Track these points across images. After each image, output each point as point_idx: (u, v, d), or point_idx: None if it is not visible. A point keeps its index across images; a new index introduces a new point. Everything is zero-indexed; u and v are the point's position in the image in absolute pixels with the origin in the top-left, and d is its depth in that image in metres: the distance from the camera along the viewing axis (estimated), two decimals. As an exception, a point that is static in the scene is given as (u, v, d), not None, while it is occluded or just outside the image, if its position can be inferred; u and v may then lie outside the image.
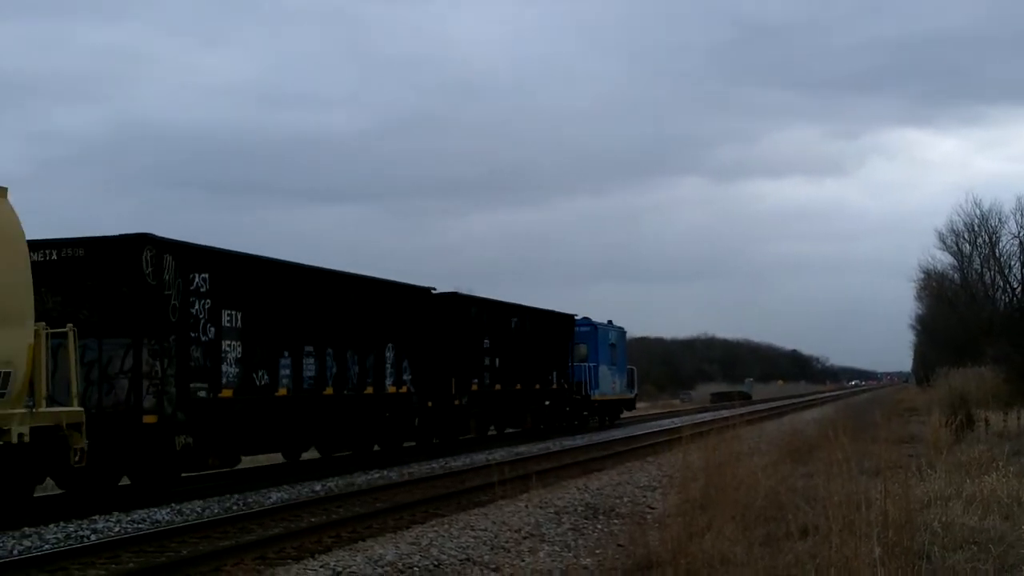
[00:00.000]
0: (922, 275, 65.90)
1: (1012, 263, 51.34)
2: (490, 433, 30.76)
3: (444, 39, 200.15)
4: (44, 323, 13.45)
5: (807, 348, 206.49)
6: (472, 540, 11.24)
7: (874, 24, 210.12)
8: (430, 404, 25.24)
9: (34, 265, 13.48)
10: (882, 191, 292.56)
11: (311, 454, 22.88)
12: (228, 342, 17.69)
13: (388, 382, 23.11)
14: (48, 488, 15.79)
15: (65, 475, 15.11)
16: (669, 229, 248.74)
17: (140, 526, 13.41)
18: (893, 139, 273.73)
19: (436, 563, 10.05)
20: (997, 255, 52.33)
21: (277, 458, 22.06)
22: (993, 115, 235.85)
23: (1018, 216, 50.11)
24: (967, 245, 54.79)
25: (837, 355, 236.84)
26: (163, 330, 16.10)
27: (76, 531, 12.96)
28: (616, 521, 12.90)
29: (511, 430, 32.10)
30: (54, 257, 15.85)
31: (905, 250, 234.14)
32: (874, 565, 7.02)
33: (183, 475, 17.31)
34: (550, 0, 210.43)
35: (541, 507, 13.80)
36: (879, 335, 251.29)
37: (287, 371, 19.27)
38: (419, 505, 14.80)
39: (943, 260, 59.30)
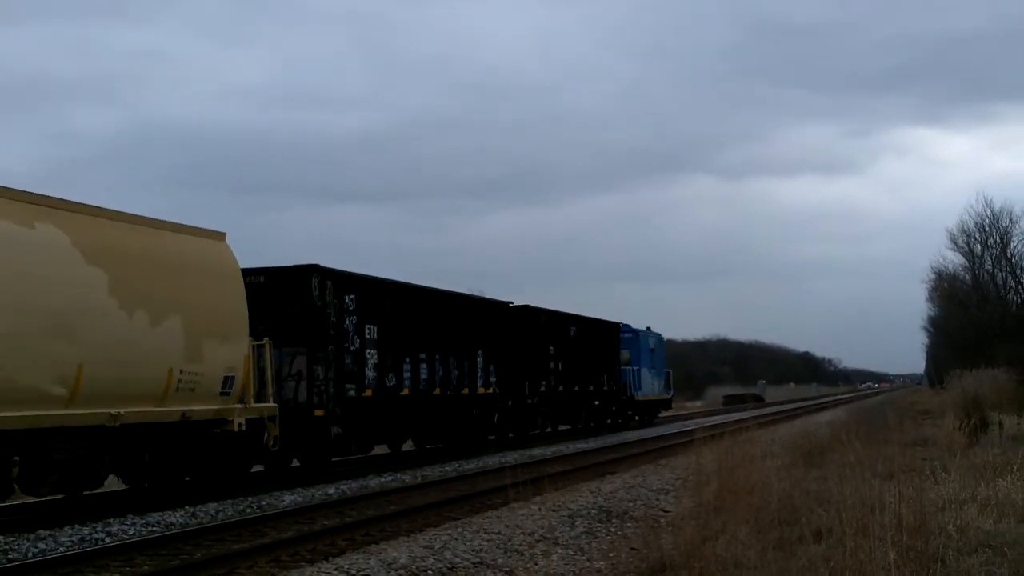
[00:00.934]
0: (934, 276, 65.73)
1: (1024, 263, 51.16)
2: (546, 430, 33.63)
3: (463, 40, 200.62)
4: (252, 338, 17.01)
5: (819, 350, 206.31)
6: (485, 543, 11.24)
7: (888, 24, 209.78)
8: (510, 403, 29.05)
9: None
10: (895, 190, 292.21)
11: (407, 445, 25.79)
12: (369, 351, 21.70)
13: (479, 384, 27.07)
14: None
15: (263, 456, 18.46)
16: (682, 228, 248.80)
17: (154, 529, 13.45)
18: (906, 138, 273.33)
19: (449, 566, 10.06)
20: (1009, 255, 52.12)
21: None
22: (1006, 114, 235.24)
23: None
24: (978, 245, 54.56)
25: (850, 357, 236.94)
26: (324, 342, 20.07)
27: (91, 534, 13.00)
28: (629, 524, 12.89)
29: (564, 427, 34.95)
30: None
31: (918, 250, 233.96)
32: (888, 569, 7.01)
33: (332, 459, 20.81)
34: (567, 0, 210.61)
35: (554, 510, 13.80)
36: (892, 337, 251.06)
37: (408, 374, 23.34)
38: (432, 508, 14.82)
39: (954, 261, 59.09)
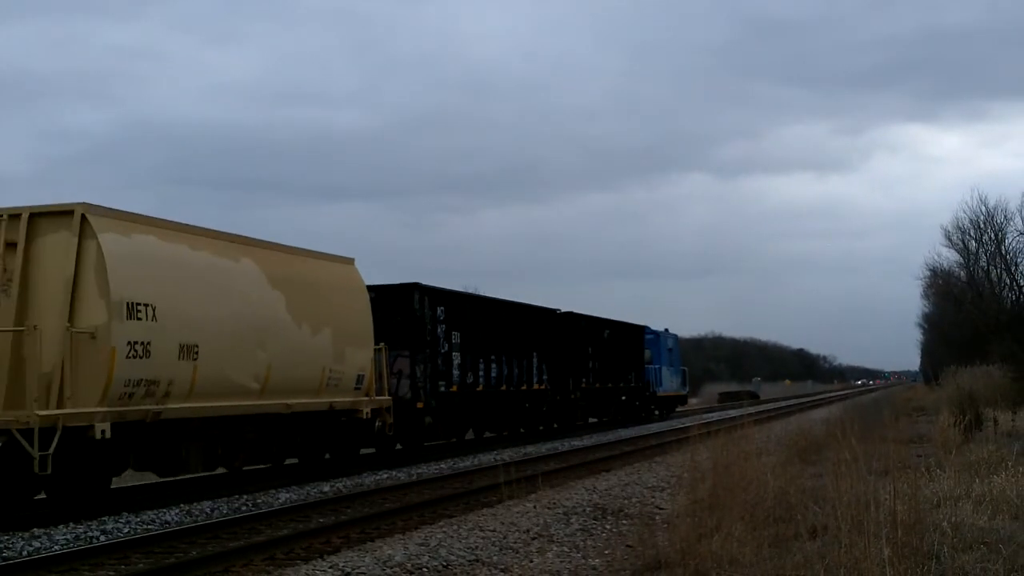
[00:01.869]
0: (928, 273, 65.73)
1: (1019, 260, 51.05)
2: (588, 421, 38.11)
3: (454, 37, 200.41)
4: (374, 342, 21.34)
5: (814, 347, 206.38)
6: (481, 541, 11.24)
7: (879, 20, 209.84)
8: (557, 398, 33.58)
9: None
10: (888, 187, 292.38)
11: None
12: (454, 353, 26.32)
13: (534, 381, 31.68)
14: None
15: (379, 440, 22.62)
16: (675, 226, 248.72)
17: (150, 527, 13.44)
18: (898, 135, 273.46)
19: (445, 564, 10.05)
20: (1003, 252, 52.10)
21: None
22: (997, 111, 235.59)
23: (1024, 212, 49.90)
24: (973, 242, 54.50)
25: (844, 354, 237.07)
26: (423, 346, 24.65)
27: (86, 532, 12.99)
28: (625, 522, 12.90)
29: (592, 419, 38.75)
30: None
31: (911, 247, 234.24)
32: (883, 565, 7.02)
33: (424, 444, 25.14)
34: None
35: (550, 507, 13.81)
36: (887, 334, 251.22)
37: (482, 373, 27.93)
38: (428, 505, 14.82)
39: (949, 258, 58.98)
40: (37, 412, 13.49)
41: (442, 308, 25.82)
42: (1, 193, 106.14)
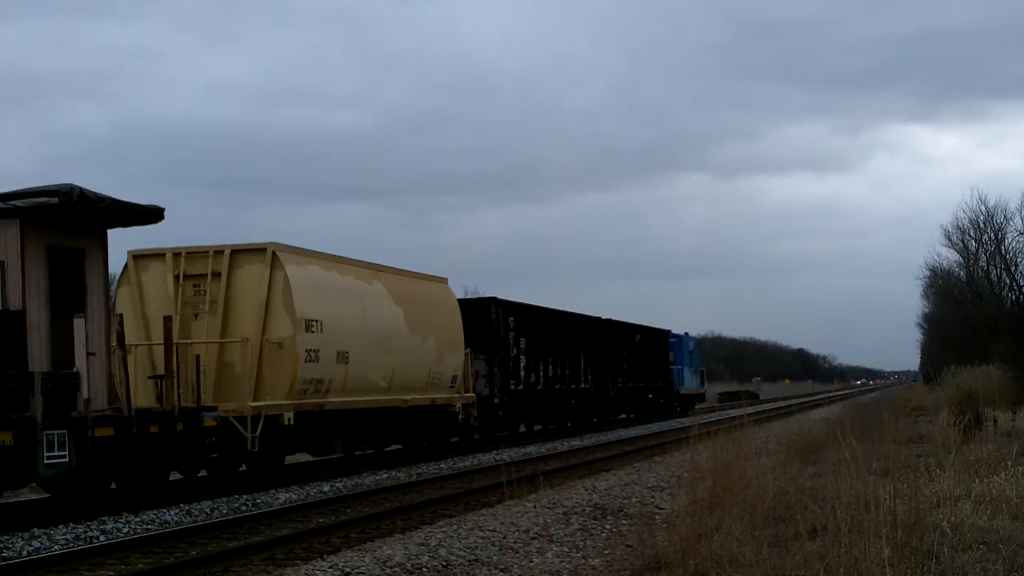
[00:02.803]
0: (928, 273, 65.71)
1: (1018, 260, 51.05)
2: (619, 417, 42.36)
3: (453, 37, 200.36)
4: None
5: (814, 347, 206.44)
6: (481, 540, 11.24)
7: (877, 20, 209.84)
8: (599, 396, 38.12)
9: None
10: (886, 187, 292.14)
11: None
12: (521, 357, 30.74)
13: (581, 381, 36.19)
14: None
15: (465, 430, 26.76)
16: (675, 226, 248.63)
17: (149, 527, 13.45)
18: (896, 135, 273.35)
19: (445, 564, 10.05)
20: (1003, 252, 52.09)
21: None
22: (995, 110, 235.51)
23: (1023, 212, 49.89)
24: (973, 242, 54.50)
25: (844, 354, 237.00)
26: (497, 350, 29.13)
27: (85, 532, 13.00)
28: (625, 521, 12.90)
29: (622, 416, 42.77)
30: None
31: (910, 247, 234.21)
32: (883, 565, 7.02)
33: (498, 433, 29.80)
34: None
35: (549, 507, 13.81)
36: (887, 334, 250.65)
37: (541, 374, 32.37)
38: (427, 505, 14.83)
39: (949, 257, 58.98)
40: (250, 403, 17.81)
41: (512, 318, 30.42)
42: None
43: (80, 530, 13.09)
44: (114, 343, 15.99)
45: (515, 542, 11.22)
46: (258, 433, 17.57)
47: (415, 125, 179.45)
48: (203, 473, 18.42)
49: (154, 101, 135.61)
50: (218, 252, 19.07)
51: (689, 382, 53.40)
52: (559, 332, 33.88)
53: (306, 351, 18.94)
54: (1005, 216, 51.40)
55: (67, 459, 13.66)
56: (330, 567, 9.81)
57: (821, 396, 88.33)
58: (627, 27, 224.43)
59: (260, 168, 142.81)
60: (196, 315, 18.88)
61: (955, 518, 9.46)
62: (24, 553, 11.57)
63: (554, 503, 14.24)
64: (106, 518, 14.01)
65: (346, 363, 20.26)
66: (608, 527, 12.59)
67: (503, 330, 29.63)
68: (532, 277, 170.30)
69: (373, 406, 21.51)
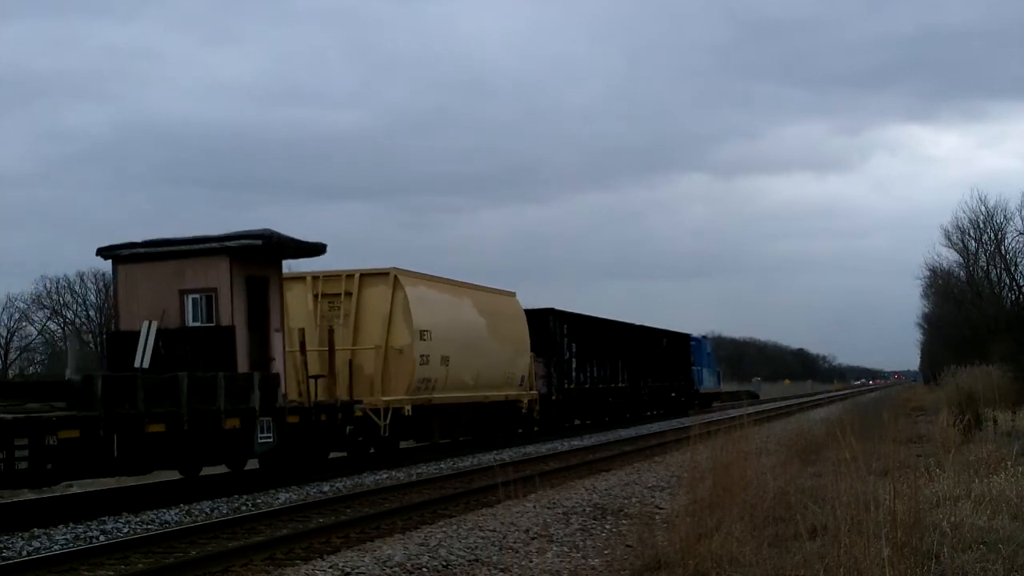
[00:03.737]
0: (928, 273, 65.69)
1: (1018, 260, 51.05)
2: (647, 414, 45.95)
3: (452, 37, 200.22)
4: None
5: (814, 347, 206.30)
6: (480, 540, 11.24)
7: (877, 20, 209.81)
8: (633, 394, 42.55)
9: None
10: (886, 187, 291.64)
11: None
12: (572, 360, 35.53)
13: (618, 380, 40.95)
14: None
15: (528, 423, 30.96)
16: (674, 226, 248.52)
17: (149, 527, 13.45)
18: (896, 135, 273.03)
19: (444, 564, 10.05)
20: (1003, 252, 52.08)
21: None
22: (995, 110, 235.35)
23: (1023, 212, 49.87)
24: (973, 242, 54.46)
25: (844, 354, 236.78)
26: (553, 354, 33.56)
27: (85, 532, 13.00)
28: (624, 521, 12.89)
29: (650, 412, 46.37)
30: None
31: (910, 247, 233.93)
32: (883, 565, 7.02)
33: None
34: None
35: (549, 507, 13.80)
36: (887, 334, 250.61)
37: (588, 374, 37.26)
38: (427, 505, 14.82)
39: (949, 257, 58.95)
40: (382, 398, 22.13)
41: (566, 326, 35.14)
42: (0, 192, 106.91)
43: (80, 530, 13.09)
44: (293, 349, 20.48)
45: (515, 542, 11.21)
46: (388, 422, 22.05)
47: (415, 125, 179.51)
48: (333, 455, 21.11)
49: (154, 101, 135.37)
50: (349, 275, 23.51)
51: (707, 381, 59.10)
52: (602, 338, 38.65)
53: (420, 355, 23.40)
54: (1005, 216, 51.44)
55: (272, 440, 17.61)
56: (330, 567, 9.81)
57: (821, 396, 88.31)
58: (627, 27, 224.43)
59: (260, 168, 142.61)
60: (331, 327, 22.11)
61: (955, 518, 9.46)
62: (24, 553, 11.57)
63: (554, 503, 14.24)
64: (106, 518, 14.01)
65: (447, 365, 24.67)
66: (608, 527, 12.58)
67: (558, 336, 34.30)
68: (532, 277, 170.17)
69: (464, 401, 26.08)
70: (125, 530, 13.22)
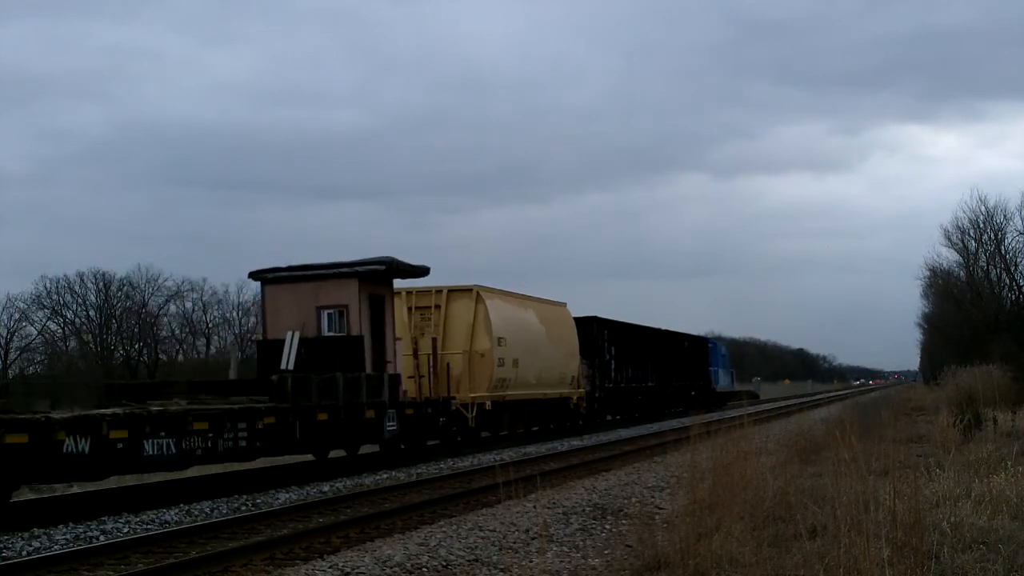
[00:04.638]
0: (928, 273, 65.72)
1: (1018, 260, 51.13)
2: (670, 411, 48.34)
3: (451, 37, 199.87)
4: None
5: (813, 347, 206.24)
6: (480, 540, 11.25)
7: (875, 20, 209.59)
8: (660, 393, 46.33)
9: None
10: (885, 187, 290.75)
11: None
12: (612, 362, 39.77)
13: (649, 380, 44.87)
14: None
15: (576, 417, 35.11)
16: (674, 226, 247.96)
17: (149, 527, 13.45)
18: (895, 135, 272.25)
19: (444, 563, 10.06)
20: (1003, 252, 52.12)
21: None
22: (994, 110, 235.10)
23: (1023, 212, 49.92)
24: (972, 242, 54.50)
25: (844, 354, 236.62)
26: (596, 356, 37.68)
27: (85, 532, 13.00)
28: (624, 521, 12.89)
29: (674, 409, 48.71)
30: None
31: (910, 247, 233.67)
32: (883, 565, 7.02)
33: (596, 420, 37.12)
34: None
35: (549, 507, 13.80)
36: (887, 334, 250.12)
37: (624, 375, 41.40)
38: (427, 505, 14.82)
39: (949, 257, 58.97)
40: (469, 395, 26.63)
41: (606, 331, 39.49)
42: (0, 192, 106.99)
43: (80, 530, 13.09)
44: (407, 353, 25.33)
45: (515, 542, 11.22)
46: (474, 415, 26.48)
47: (415, 125, 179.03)
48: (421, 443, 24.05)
49: (154, 101, 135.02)
50: (438, 291, 27.70)
51: (723, 381, 63.76)
52: (635, 342, 43.23)
53: (498, 358, 27.82)
54: (1005, 216, 51.51)
55: (395, 428, 21.79)
56: (330, 567, 9.81)
57: (821, 396, 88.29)
58: (625, 27, 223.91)
59: (260, 168, 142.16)
60: (423, 334, 26.94)
61: (955, 518, 9.46)
62: (24, 553, 11.57)
63: (554, 503, 14.24)
64: (106, 518, 14.02)
65: (517, 367, 29.05)
66: (608, 527, 12.59)
67: (600, 341, 38.46)
68: (532, 277, 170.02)
69: (529, 397, 30.40)
70: (125, 530, 13.22)
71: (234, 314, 78.23)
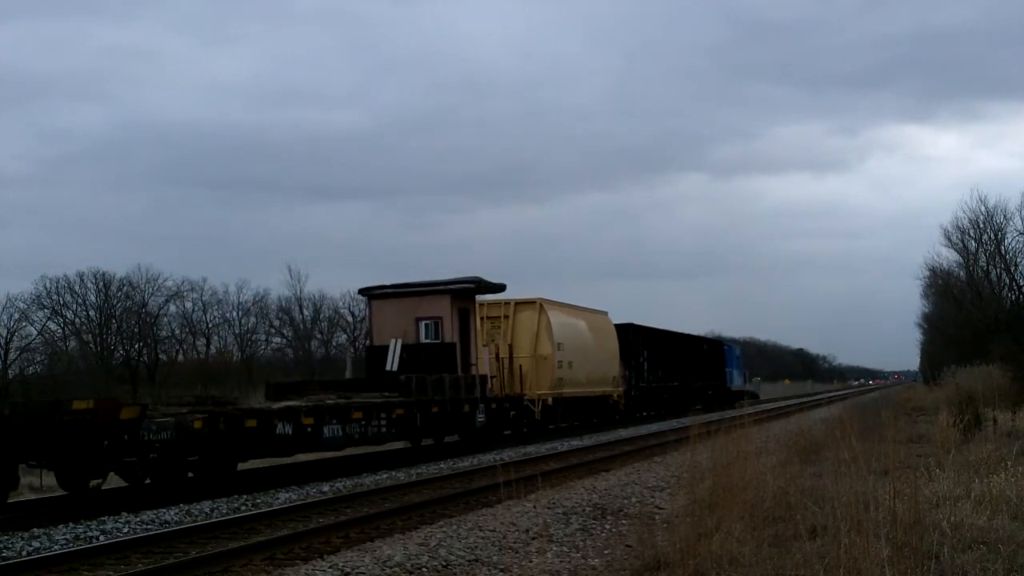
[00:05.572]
0: (928, 273, 65.70)
1: (1018, 260, 51.05)
2: (690, 408, 49.56)
3: (451, 37, 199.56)
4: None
5: (813, 347, 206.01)
6: (480, 540, 11.24)
7: (874, 20, 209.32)
8: (683, 391, 50.31)
9: None
10: (885, 187, 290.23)
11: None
12: (644, 363, 44.48)
13: (674, 380, 49.20)
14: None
15: (616, 413, 39.33)
16: (673, 225, 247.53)
17: (149, 527, 13.44)
18: (894, 135, 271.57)
19: (444, 564, 10.05)
20: (1003, 252, 52.08)
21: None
22: (993, 110, 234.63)
23: (1023, 212, 49.88)
24: (972, 242, 54.46)
25: (844, 354, 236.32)
26: (632, 358, 42.18)
27: (85, 532, 13.00)
28: (624, 522, 12.90)
29: (694, 407, 51.89)
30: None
31: (909, 247, 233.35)
32: (883, 565, 7.02)
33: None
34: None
35: (549, 507, 13.80)
36: (887, 334, 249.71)
37: (655, 375, 46.22)
38: (427, 505, 14.81)
39: (949, 257, 58.94)
40: (536, 392, 30.95)
41: (640, 336, 44.29)
42: (0, 192, 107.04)
43: (80, 530, 13.09)
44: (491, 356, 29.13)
45: (515, 542, 11.22)
46: (539, 409, 31.02)
47: (414, 125, 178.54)
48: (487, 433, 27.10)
49: (153, 101, 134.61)
50: (507, 303, 32.07)
51: (737, 381, 68.65)
52: (663, 345, 48.10)
53: (557, 362, 32.39)
54: (1005, 216, 51.45)
55: (484, 419, 26.14)
56: (330, 567, 9.81)
57: (821, 396, 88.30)
58: (625, 27, 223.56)
59: (259, 168, 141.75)
60: (493, 340, 30.89)
61: (955, 518, 9.46)
62: (24, 553, 11.57)
63: (554, 503, 14.23)
64: (106, 518, 14.02)
65: (572, 368, 33.44)
66: (608, 527, 12.58)
67: (635, 345, 43.01)
68: (531, 277, 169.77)
69: (580, 395, 34.72)
70: (125, 530, 13.21)
71: (234, 314, 78.19)
